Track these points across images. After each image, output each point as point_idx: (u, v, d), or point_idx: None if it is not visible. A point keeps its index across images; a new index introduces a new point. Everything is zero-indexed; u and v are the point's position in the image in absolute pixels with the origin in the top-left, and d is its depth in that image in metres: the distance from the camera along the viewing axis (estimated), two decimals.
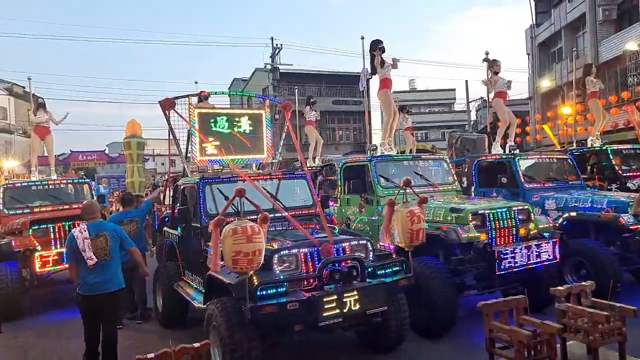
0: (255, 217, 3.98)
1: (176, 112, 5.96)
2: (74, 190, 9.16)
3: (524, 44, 26.26)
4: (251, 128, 6.38)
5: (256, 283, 3.92)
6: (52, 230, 7.24)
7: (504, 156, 8.08)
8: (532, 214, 5.98)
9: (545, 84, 23.67)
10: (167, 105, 5.92)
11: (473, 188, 8.01)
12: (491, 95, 8.97)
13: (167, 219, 7.22)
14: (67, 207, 8.43)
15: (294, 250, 4.36)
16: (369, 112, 10.20)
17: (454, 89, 46.53)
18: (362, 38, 8.75)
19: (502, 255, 5.21)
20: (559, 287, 3.15)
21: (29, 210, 8.21)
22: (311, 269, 4.32)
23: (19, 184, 8.71)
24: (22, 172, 15.23)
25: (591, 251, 6.03)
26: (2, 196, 8.33)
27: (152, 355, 2.21)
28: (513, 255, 5.27)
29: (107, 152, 31.92)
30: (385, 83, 7.81)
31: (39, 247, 7.01)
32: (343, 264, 4.25)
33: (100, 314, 4.50)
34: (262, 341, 4.11)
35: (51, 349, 5.66)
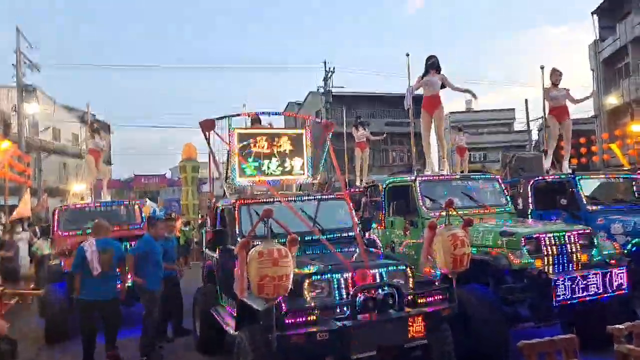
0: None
1: (216, 133, 5.93)
2: (125, 212, 9.40)
3: (587, 61, 24.95)
4: (292, 148, 6.26)
5: (284, 310, 3.72)
6: None
7: (564, 176, 7.48)
8: (595, 239, 5.43)
9: (612, 101, 22.29)
10: (207, 126, 5.91)
11: (530, 210, 7.44)
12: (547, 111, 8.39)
13: None
14: (118, 228, 8.58)
15: (326, 276, 4.13)
16: (415, 133, 9.82)
17: (513, 109, 44.45)
18: (407, 55, 8.52)
19: (557, 285, 4.71)
20: (618, 325, 2.70)
21: (81, 232, 8.47)
22: (345, 296, 4.07)
23: (73, 206, 9.06)
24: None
25: None
26: (58, 218, 8.68)
27: None
28: (570, 284, 4.75)
29: (167, 175, 33.24)
30: (424, 102, 7.55)
31: None
32: (379, 291, 3.97)
33: (101, 317, 5.58)
34: None
35: None
